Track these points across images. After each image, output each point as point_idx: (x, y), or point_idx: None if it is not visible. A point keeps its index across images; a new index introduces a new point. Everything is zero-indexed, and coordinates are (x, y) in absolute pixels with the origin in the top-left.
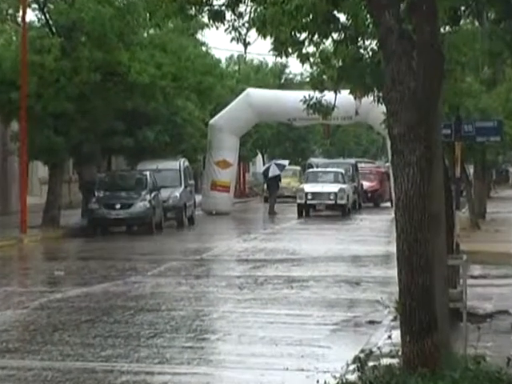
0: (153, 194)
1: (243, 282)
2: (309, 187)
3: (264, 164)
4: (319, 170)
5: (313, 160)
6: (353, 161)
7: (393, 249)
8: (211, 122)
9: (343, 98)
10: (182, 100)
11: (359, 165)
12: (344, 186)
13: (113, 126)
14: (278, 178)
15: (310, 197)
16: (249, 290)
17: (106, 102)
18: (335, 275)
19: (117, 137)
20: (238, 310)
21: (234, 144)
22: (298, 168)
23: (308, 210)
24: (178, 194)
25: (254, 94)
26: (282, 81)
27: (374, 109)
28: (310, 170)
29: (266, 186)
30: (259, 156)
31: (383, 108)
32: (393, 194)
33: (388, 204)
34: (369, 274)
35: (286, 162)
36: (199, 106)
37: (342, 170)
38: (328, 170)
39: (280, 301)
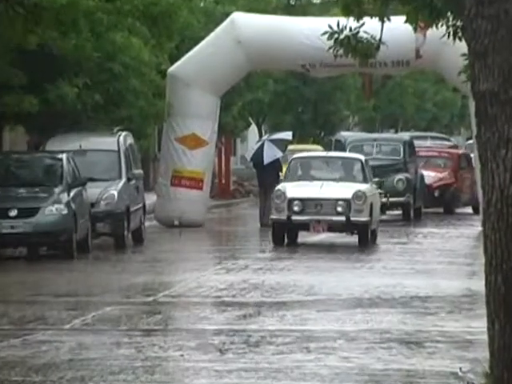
0: (73, 193)
1: (226, 340)
2: (294, 189)
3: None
4: (315, 155)
5: (343, 135)
6: (406, 136)
7: (479, 285)
8: (172, 70)
9: (395, 31)
10: (122, 33)
11: (418, 143)
12: (364, 186)
13: (5, 76)
14: (277, 165)
15: (296, 208)
16: (235, 355)
17: None
18: (381, 329)
19: (12, 95)
20: None
21: (211, 108)
22: (320, 148)
23: (293, 233)
24: (115, 193)
25: (244, 22)
26: (291, 1)
27: (446, 48)
28: (299, 155)
29: (257, 178)
30: (253, 127)
31: (463, 47)
32: (479, 193)
33: (469, 209)
34: (438, 327)
35: (288, 135)
36: (152, 44)
37: (360, 157)
38: (332, 154)
39: (289, 373)
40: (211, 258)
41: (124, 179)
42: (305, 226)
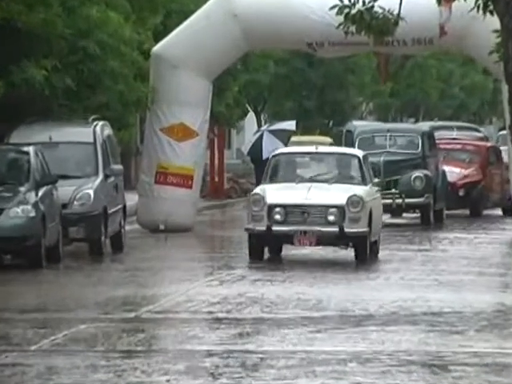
0: (42, 192)
1: (219, 363)
2: (276, 192)
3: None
4: (302, 150)
5: (356, 125)
6: (425, 126)
7: None
8: (156, 49)
9: (416, 4)
10: (98, 7)
11: (443, 134)
12: (361, 189)
13: None
14: None
15: (278, 216)
16: (230, 380)
17: None
18: (399, 350)
19: None
20: None
21: (202, 93)
22: (329, 140)
23: (276, 247)
24: (90, 192)
25: None
26: None
27: (476, 24)
28: (281, 150)
29: (256, 175)
30: (250, 116)
31: (494, 22)
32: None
33: (499, 211)
34: (466, 348)
35: (291, 125)
36: (133, 20)
37: (357, 153)
38: (323, 150)
39: None
40: (202, 267)
41: (101, 176)
42: (288, 239)
